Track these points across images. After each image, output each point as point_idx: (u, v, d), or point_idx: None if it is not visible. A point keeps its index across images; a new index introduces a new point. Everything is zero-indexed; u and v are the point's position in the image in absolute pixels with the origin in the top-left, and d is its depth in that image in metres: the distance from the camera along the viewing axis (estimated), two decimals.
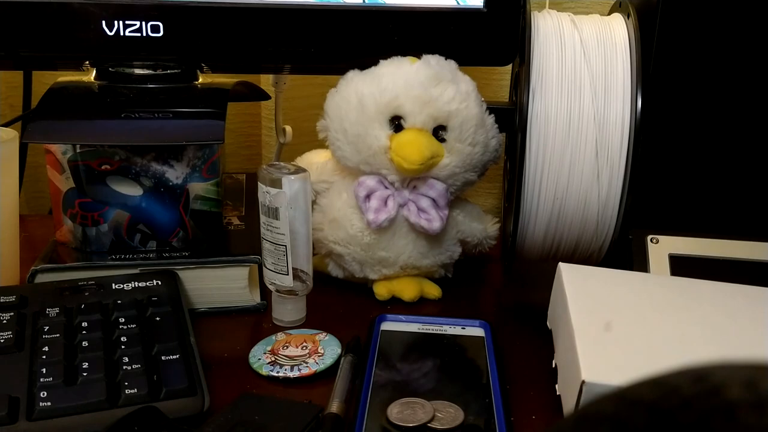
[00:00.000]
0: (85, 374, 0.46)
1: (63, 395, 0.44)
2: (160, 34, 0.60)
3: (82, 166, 0.59)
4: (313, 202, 0.63)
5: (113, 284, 0.55)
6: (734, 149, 0.61)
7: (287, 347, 0.54)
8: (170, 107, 0.59)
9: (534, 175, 0.59)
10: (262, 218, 0.56)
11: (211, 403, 0.47)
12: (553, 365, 0.50)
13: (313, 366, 0.51)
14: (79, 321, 0.51)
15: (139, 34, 0.59)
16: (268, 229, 0.56)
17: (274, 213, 0.55)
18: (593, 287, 0.51)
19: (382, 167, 0.59)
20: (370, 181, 0.60)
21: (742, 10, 0.58)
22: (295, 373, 0.51)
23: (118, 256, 0.60)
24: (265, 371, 0.51)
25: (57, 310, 0.52)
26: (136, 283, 0.56)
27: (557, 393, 0.48)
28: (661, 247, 0.59)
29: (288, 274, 0.56)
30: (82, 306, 0.52)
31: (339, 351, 0.53)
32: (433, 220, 0.60)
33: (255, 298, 0.61)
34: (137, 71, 0.62)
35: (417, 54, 0.60)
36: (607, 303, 0.49)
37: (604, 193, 0.59)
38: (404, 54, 0.61)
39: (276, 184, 0.54)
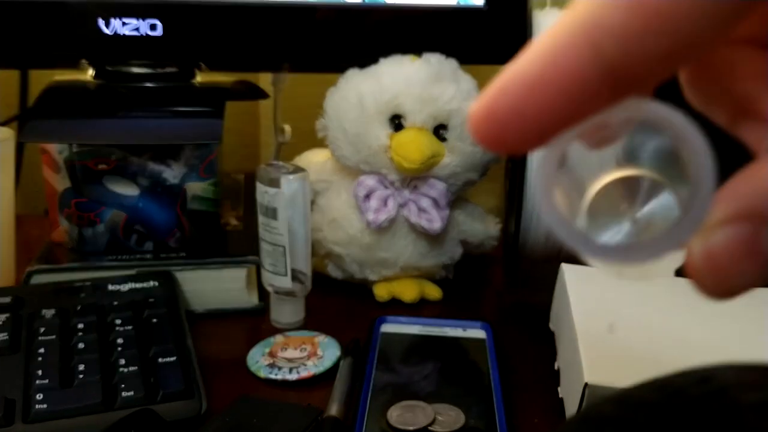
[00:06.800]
0: (81, 376, 0.45)
1: (59, 397, 0.44)
2: (158, 32, 0.59)
3: (79, 166, 0.58)
4: (312, 202, 0.63)
5: (109, 285, 0.55)
6: (735, 148, 0.60)
7: (286, 349, 0.54)
8: (168, 106, 0.59)
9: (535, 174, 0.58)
10: (261, 218, 0.56)
11: (209, 406, 0.46)
12: (556, 368, 0.50)
13: (312, 368, 0.51)
14: (75, 322, 0.50)
15: (137, 33, 0.59)
16: (266, 230, 0.56)
17: (272, 213, 0.55)
18: (596, 288, 0.50)
19: (382, 167, 0.59)
20: (369, 181, 0.59)
21: None
22: (293, 376, 0.50)
23: (114, 257, 0.59)
24: (263, 374, 0.51)
25: (53, 311, 0.51)
26: (133, 284, 0.55)
27: (560, 396, 0.47)
28: None
29: (286, 275, 0.56)
30: (78, 307, 0.52)
31: (338, 353, 0.53)
32: (433, 221, 0.59)
33: (253, 300, 0.60)
34: (135, 70, 0.62)
35: (417, 53, 0.60)
36: (610, 304, 0.49)
37: None
38: (404, 53, 0.60)
39: (275, 183, 0.54)
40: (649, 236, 0.18)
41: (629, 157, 0.18)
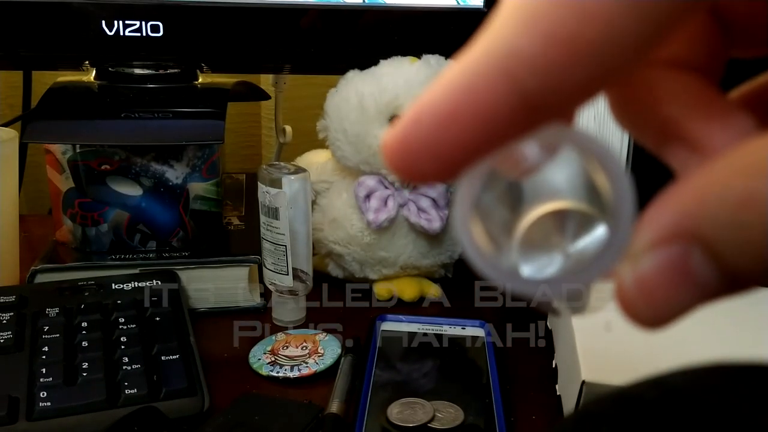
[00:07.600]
0: (84, 374, 0.46)
1: (63, 395, 0.44)
2: (160, 33, 0.60)
3: (82, 166, 0.59)
4: (313, 202, 0.63)
5: (113, 284, 0.55)
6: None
7: (287, 347, 0.54)
8: (170, 107, 0.59)
9: None
10: (262, 218, 0.56)
11: (211, 403, 0.47)
12: (554, 365, 0.50)
13: (313, 366, 0.51)
14: (79, 321, 0.50)
15: (138, 34, 0.59)
16: (268, 229, 0.56)
17: (274, 213, 0.55)
18: None
19: (382, 167, 0.59)
20: (370, 181, 0.60)
21: None
22: (295, 374, 0.51)
23: (117, 256, 0.60)
24: (265, 371, 0.51)
25: (57, 310, 0.52)
26: (136, 283, 0.56)
27: (557, 393, 0.48)
28: None
29: (288, 274, 0.56)
30: (82, 306, 0.52)
31: (339, 351, 0.53)
32: (433, 220, 0.60)
33: (255, 298, 0.61)
34: (137, 71, 0.62)
35: (417, 54, 0.60)
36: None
37: None
38: (404, 54, 0.61)
39: (276, 184, 0.54)
40: (577, 267, 0.17)
41: (558, 188, 0.17)
